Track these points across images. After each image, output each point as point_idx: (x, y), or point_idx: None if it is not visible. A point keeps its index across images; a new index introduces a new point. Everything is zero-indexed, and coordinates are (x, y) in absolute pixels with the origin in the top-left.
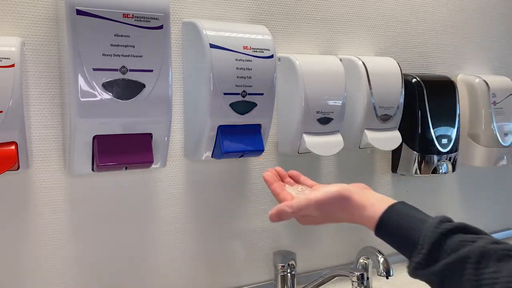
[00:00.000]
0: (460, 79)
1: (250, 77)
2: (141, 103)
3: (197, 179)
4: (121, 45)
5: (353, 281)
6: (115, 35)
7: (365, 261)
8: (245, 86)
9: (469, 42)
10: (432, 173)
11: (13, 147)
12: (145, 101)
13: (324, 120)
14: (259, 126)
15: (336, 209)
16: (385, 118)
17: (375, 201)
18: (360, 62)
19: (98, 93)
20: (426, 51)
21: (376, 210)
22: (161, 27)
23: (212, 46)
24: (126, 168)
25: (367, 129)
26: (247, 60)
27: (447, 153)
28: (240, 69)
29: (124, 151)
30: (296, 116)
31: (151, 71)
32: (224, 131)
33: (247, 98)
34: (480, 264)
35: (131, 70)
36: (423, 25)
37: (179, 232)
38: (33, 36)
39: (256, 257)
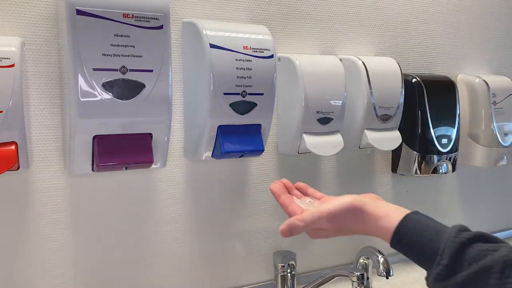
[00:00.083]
0: (460, 79)
1: (250, 77)
2: (141, 103)
3: (197, 179)
4: (121, 45)
5: (353, 281)
6: (115, 35)
7: (365, 261)
8: (245, 86)
9: (469, 42)
10: (432, 173)
11: (13, 147)
12: (145, 101)
13: (324, 120)
14: (259, 126)
15: (349, 221)
16: (385, 118)
17: (389, 211)
18: (360, 62)
19: (98, 93)
20: (426, 51)
21: (390, 221)
22: (161, 27)
23: (212, 46)
24: (126, 168)
25: (367, 129)
26: (247, 60)
27: (447, 153)
28: (240, 69)
29: (124, 151)
30: (296, 116)
31: (151, 71)
32: (224, 131)
33: (247, 98)
34: (503, 273)
35: (131, 70)
36: (423, 25)
37: (179, 232)
38: (33, 36)
39: (256, 257)
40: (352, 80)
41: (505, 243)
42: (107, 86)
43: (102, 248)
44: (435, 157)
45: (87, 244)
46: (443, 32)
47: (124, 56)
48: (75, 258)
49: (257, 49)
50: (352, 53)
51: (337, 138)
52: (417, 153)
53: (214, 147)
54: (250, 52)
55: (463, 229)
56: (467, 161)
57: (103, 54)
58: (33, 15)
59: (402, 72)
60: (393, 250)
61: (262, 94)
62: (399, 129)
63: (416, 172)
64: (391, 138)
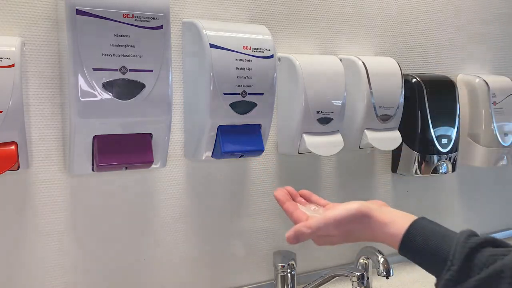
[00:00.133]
0: (460, 79)
1: (250, 77)
2: (141, 103)
3: (197, 179)
4: (121, 45)
5: (353, 281)
6: (115, 35)
7: (365, 261)
8: (245, 86)
9: (469, 42)
10: (432, 173)
11: (13, 147)
12: (145, 101)
13: (324, 120)
14: (259, 126)
15: (356, 227)
16: (385, 118)
17: (396, 218)
18: (360, 62)
19: (98, 93)
20: (426, 51)
21: (398, 227)
22: (161, 27)
23: (212, 46)
24: (126, 168)
25: (367, 129)
26: (247, 60)
27: (447, 153)
28: (240, 69)
29: (124, 151)
30: (296, 116)
31: (151, 71)
32: (224, 131)
33: (247, 98)
34: None
35: (131, 70)
36: (423, 25)
37: (179, 232)
38: (33, 36)
39: (256, 257)
40: (352, 80)
41: None
42: (107, 86)
43: (102, 248)
44: (435, 157)
45: (87, 244)
46: (443, 32)
47: (124, 56)
48: (75, 258)
49: (257, 49)
50: (352, 53)
51: (337, 138)
52: (417, 153)
53: (214, 147)
54: (250, 52)
55: (472, 234)
56: (467, 161)
57: (103, 54)
58: (33, 15)
59: (402, 72)
60: (393, 250)
61: (262, 94)
62: (399, 129)
63: (416, 172)
64: (391, 138)
